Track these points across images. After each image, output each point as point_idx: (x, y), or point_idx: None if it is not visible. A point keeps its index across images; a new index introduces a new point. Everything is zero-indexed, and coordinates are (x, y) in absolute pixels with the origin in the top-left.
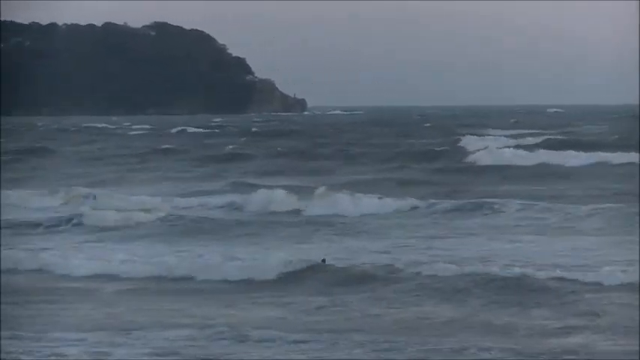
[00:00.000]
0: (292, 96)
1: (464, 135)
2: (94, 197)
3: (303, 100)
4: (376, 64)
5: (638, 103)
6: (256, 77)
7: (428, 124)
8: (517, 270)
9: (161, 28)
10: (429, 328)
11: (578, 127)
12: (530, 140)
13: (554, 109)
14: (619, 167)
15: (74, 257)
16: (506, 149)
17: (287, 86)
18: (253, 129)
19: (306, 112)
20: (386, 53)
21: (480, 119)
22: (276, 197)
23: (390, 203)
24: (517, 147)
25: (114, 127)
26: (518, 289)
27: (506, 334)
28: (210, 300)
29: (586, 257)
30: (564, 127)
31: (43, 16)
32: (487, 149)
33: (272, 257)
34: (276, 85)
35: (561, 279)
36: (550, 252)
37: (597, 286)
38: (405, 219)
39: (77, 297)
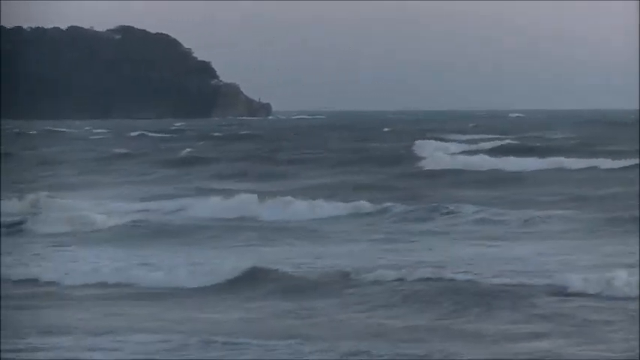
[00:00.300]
0: (257, 100)
1: (418, 140)
2: (48, 201)
3: (268, 104)
4: (345, 67)
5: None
6: (221, 81)
7: (387, 129)
8: (473, 276)
9: (126, 31)
10: (390, 333)
11: (539, 132)
12: (484, 145)
13: (516, 114)
14: (576, 172)
15: (35, 263)
16: (458, 154)
17: (253, 90)
18: (213, 133)
19: (270, 117)
20: (355, 57)
21: (441, 124)
22: (231, 202)
23: (343, 208)
24: (469, 152)
25: (77, 131)
26: (476, 295)
27: (465, 339)
28: (169, 305)
29: (541, 263)
30: (524, 132)
31: (9, 19)
32: (438, 154)
33: (228, 262)
34: (241, 89)
35: (518, 285)
36: (503, 257)
37: (553, 290)
38: (358, 224)
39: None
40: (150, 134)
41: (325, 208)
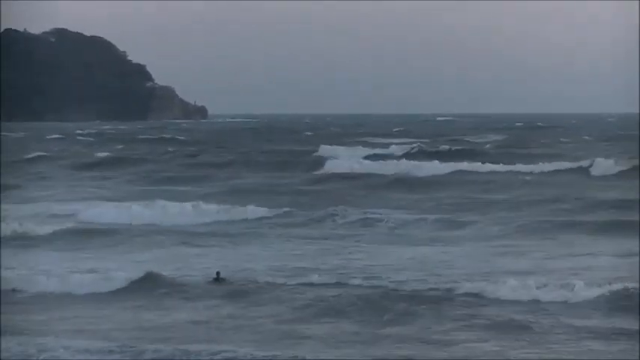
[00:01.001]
0: (192, 103)
1: (329, 144)
2: None
3: (204, 107)
4: (293, 70)
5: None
6: (156, 84)
7: (310, 133)
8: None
9: (61, 34)
10: (308, 338)
11: (463, 136)
12: (394, 149)
13: (444, 118)
14: (487, 175)
15: None
16: (364, 159)
17: (188, 94)
18: (138, 136)
19: (205, 120)
20: (303, 61)
21: (367, 128)
22: (130, 206)
23: (252, 211)
24: (381, 156)
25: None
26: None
27: (385, 343)
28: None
29: (440, 267)
30: (447, 136)
31: None
32: (340, 159)
33: (131, 269)
34: (177, 93)
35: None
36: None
37: (449, 294)
38: (265, 227)
39: None
40: (71, 137)
41: (231, 212)
